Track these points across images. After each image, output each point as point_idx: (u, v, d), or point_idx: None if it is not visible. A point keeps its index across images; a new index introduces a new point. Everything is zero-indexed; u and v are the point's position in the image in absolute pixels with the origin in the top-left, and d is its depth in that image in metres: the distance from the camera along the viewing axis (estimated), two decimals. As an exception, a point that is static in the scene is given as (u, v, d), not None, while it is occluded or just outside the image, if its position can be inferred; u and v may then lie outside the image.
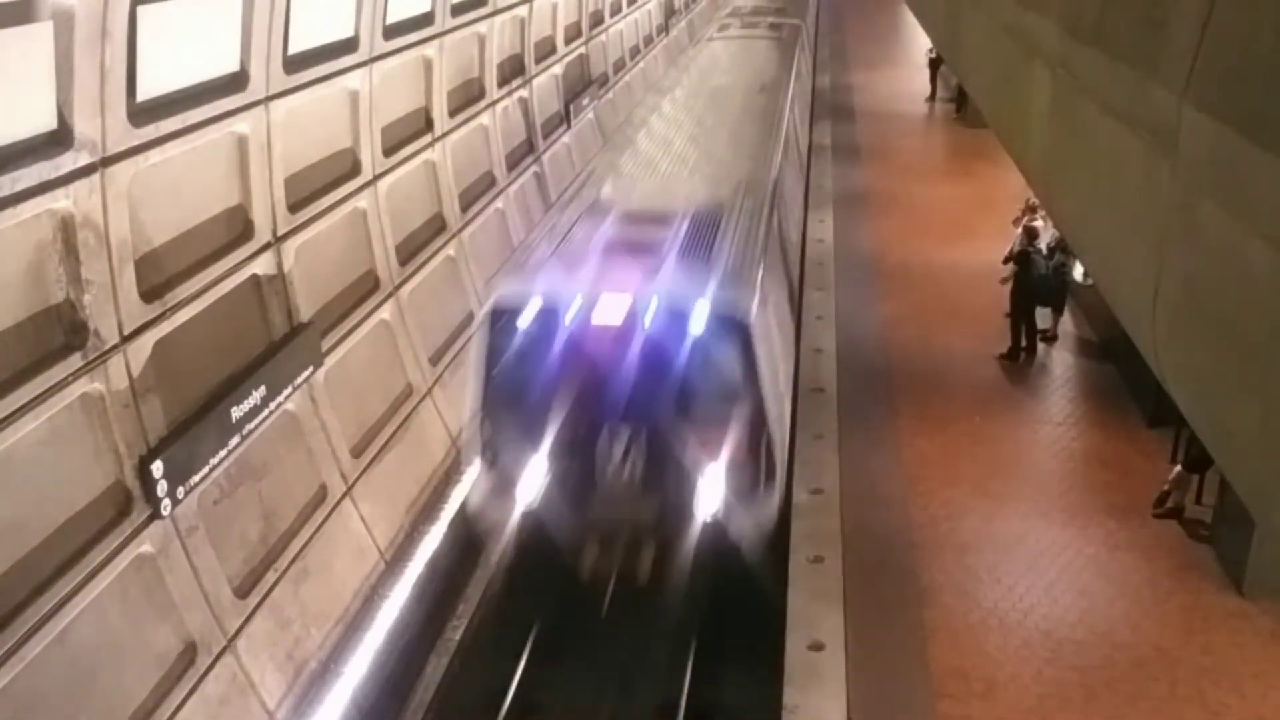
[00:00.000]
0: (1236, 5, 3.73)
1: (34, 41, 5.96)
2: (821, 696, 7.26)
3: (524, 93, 16.52)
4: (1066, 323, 13.82)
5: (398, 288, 11.42)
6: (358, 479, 10.13)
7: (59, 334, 6.56)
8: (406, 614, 9.77)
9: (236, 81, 8.20)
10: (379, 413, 10.89)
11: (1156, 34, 4.54)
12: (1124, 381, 12.29)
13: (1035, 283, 13.16)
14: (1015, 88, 8.66)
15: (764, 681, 7.92)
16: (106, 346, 6.83)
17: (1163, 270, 4.41)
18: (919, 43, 32.75)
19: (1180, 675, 7.82)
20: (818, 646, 7.74)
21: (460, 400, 10.35)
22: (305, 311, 9.45)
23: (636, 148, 11.97)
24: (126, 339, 7.03)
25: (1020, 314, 13.21)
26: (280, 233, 9.05)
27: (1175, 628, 8.32)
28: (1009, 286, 13.48)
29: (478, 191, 14.40)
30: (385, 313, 11.11)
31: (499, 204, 15.04)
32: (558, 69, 18.44)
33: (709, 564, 8.66)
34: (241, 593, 8.20)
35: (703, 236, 8.92)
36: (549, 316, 8.17)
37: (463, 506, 10.38)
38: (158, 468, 7.12)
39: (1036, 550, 9.34)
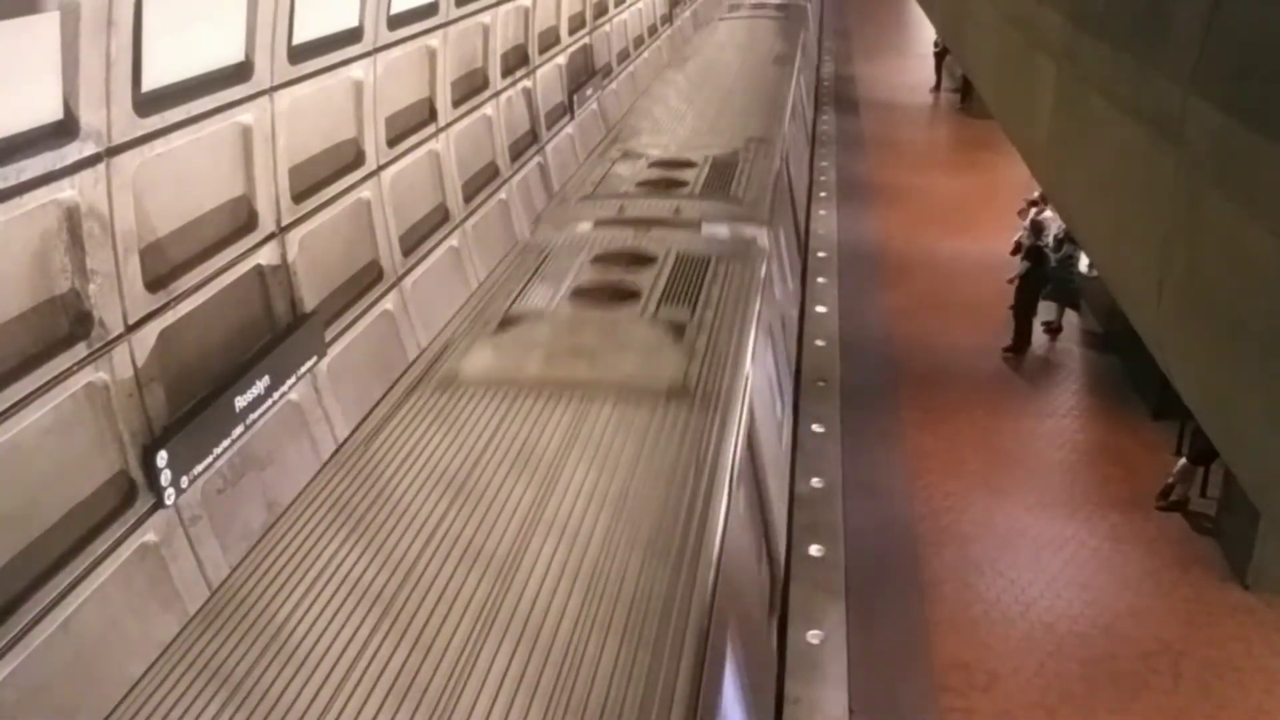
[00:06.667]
0: (1243, -5, 3.71)
1: (40, 31, 5.96)
2: (823, 688, 7.27)
3: (528, 83, 16.48)
4: (1070, 314, 13.80)
5: (401, 278, 11.41)
6: (361, 469, 10.09)
7: (64, 323, 6.56)
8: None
9: (241, 72, 8.19)
10: (382, 403, 10.87)
11: (1162, 24, 4.53)
12: (1128, 374, 12.27)
13: (1045, 276, 13.16)
14: (1020, 78, 8.64)
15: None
16: (111, 336, 6.83)
17: (1167, 261, 4.40)
18: (924, 33, 32.65)
19: (1183, 669, 7.82)
20: (819, 638, 7.76)
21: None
22: (309, 302, 9.45)
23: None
24: (131, 329, 7.03)
25: (1025, 307, 13.20)
26: (284, 223, 9.04)
27: (1179, 621, 8.33)
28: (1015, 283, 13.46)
29: (481, 182, 14.37)
30: (388, 303, 11.10)
31: (502, 194, 15.02)
32: (561, 59, 18.38)
33: None
34: (246, 582, 8.19)
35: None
36: None
37: None
38: (162, 457, 7.11)
39: (1039, 543, 9.35)
